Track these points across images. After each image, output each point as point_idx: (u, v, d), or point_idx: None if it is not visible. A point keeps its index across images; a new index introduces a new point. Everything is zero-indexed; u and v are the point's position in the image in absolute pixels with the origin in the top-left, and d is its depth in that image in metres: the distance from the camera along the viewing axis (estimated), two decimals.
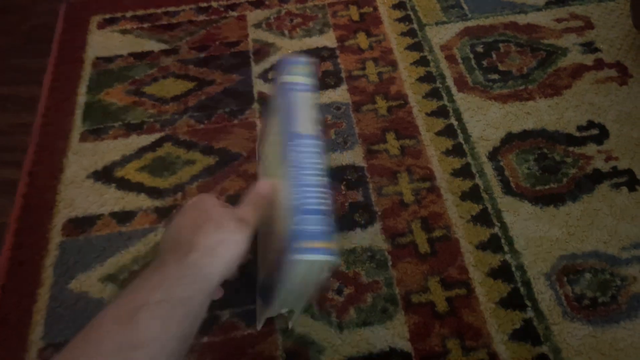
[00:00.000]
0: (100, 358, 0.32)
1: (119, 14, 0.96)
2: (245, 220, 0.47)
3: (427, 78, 0.84)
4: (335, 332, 0.60)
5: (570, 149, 0.75)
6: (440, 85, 0.83)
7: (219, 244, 0.43)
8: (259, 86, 0.84)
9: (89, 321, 0.36)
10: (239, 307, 0.62)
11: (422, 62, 0.87)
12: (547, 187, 0.71)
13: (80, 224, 0.70)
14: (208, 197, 0.50)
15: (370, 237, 0.67)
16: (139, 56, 0.89)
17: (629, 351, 0.58)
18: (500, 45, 0.88)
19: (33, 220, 0.70)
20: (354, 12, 0.95)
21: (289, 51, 0.89)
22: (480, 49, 0.88)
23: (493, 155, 0.75)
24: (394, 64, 0.87)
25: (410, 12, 0.95)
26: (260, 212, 0.49)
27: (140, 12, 0.96)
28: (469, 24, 0.92)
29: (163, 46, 0.91)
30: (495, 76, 0.84)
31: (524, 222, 0.68)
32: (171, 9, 0.96)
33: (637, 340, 0.59)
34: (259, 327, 0.60)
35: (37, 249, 0.68)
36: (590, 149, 0.75)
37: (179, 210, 0.49)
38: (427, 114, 0.80)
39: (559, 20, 0.91)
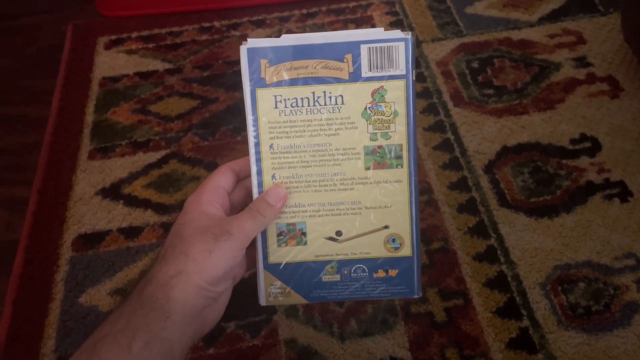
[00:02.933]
0: None
1: (124, 35, 0.99)
2: (228, 234, 0.42)
3: (424, 94, 0.87)
4: (337, 343, 0.62)
5: (564, 161, 0.77)
6: (437, 101, 0.86)
7: (176, 274, 0.40)
8: None
9: None
10: (243, 319, 0.64)
11: (419, 78, 0.89)
12: (541, 199, 0.73)
13: (89, 240, 0.72)
14: (193, 204, 0.44)
15: None
16: (144, 75, 0.92)
17: (622, 358, 0.60)
18: (495, 60, 0.91)
19: (43, 236, 0.73)
20: None
21: None
22: (475, 64, 0.91)
23: (489, 169, 0.77)
24: None
25: (407, 29, 0.97)
26: (260, 222, 0.44)
27: (145, 33, 0.99)
28: (465, 40, 0.95)
29: (167, 65, 0.94)
30: (490, 91, 0.86)
31: (519, 234, 0.70)
32: (175, 29, 1.00)
33: (630, 348, 0.61)
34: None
35: (48, 264, 0.70)
36: (583, 161, 0.77)
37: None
38: (425, 129, 0.82)
39: (551, 36, 0.94)
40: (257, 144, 0.46)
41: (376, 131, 0.46)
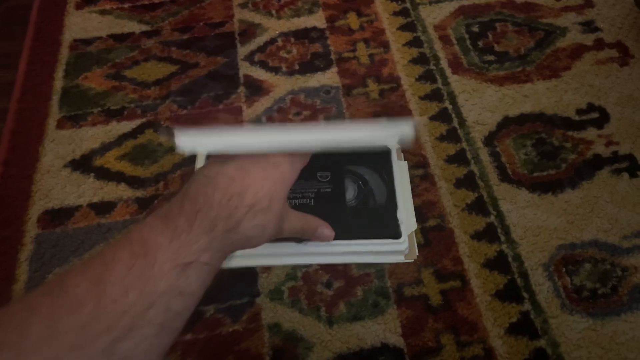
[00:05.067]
0: (154, 296, 0.33)
1: None
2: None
3: (420, 60, 0.81)
4: (324, 328, 0.58)
5: (570, 133, 0.72)
6: (434, 67, 0.80)
7: (257, 235, 0.40)
8: (245, 69, 0.80)
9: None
10: (223, 302, 0.60)
11: (415, 43, 0.83)
12: (545, 173, 0.68)
13: (57, 216, 0.67)
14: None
15: None
16: (119, 38, 0.85)
17: (630, 345, 0.56)
18: (497, 24, 0.85)
19: (7, 212, 0.67)
20: None
21: (276, 31, 0.85)
22: (475, 28, 0.84)
23: (489, 141, 0.72)
24: (385, 45, 0.83)
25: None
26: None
27: None
28: (464, 2, 0.88)
29: (144, 27, 0.87)
30: (492, 57, 0.81)
31: (521, 211, 0.65)
32: None
33: (639, 334, 0.57)
34: None
35: (12, 242, 0.65)
36: (590, 133, 0.72)
37: None
38: (421, 98, 0.76)
39: None
40: None
41: None
